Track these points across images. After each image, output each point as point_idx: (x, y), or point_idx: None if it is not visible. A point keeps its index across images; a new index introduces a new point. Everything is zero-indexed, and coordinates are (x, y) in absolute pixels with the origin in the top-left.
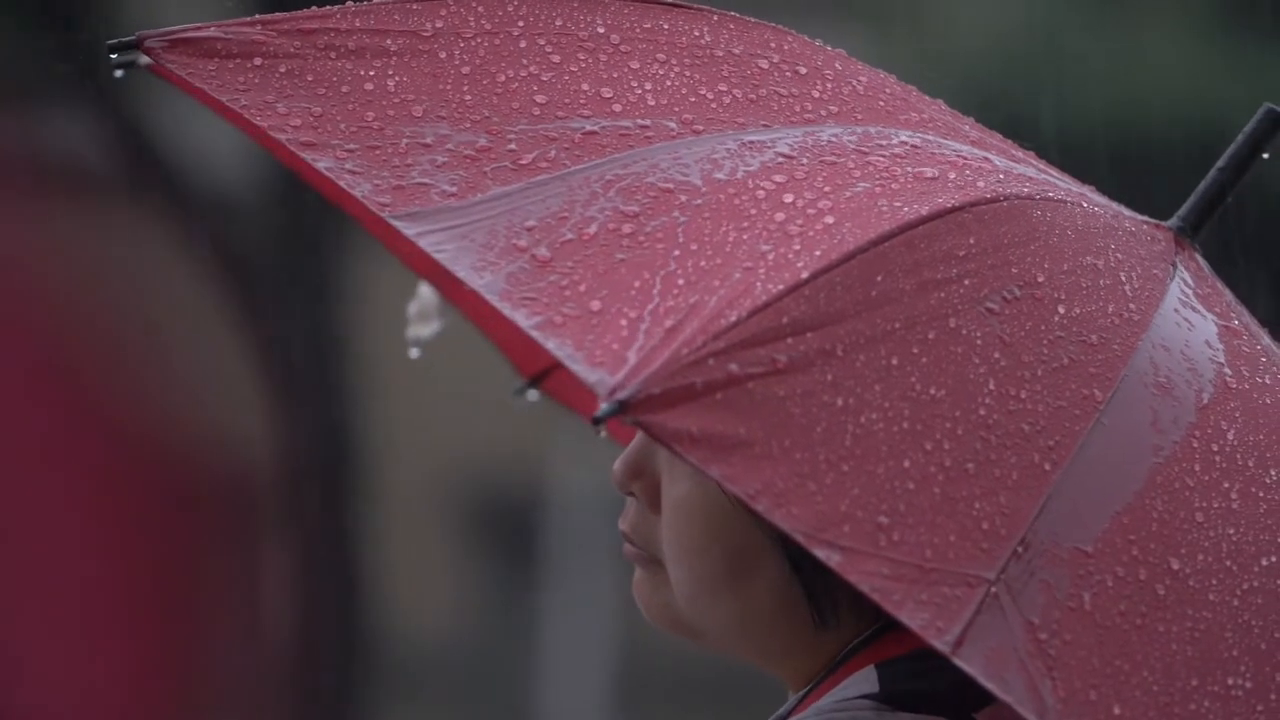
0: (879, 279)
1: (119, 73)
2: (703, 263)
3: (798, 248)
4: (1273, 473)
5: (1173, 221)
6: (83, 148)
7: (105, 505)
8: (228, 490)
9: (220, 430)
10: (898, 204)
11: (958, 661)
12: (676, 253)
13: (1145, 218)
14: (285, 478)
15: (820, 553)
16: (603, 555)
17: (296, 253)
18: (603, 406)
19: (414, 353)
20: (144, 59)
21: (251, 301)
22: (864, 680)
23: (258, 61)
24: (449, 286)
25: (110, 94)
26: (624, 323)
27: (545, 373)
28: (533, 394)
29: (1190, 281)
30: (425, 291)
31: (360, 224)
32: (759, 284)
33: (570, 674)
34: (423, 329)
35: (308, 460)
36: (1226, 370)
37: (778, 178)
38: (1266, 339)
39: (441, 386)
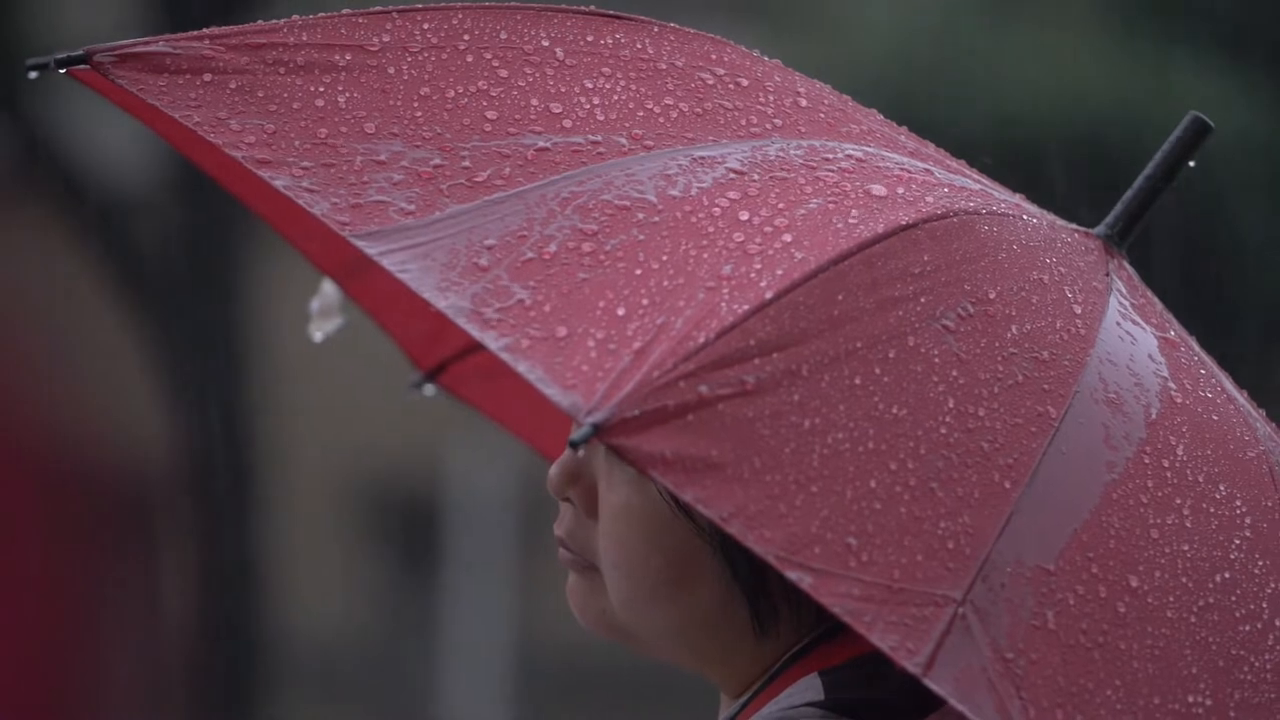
0: (840, 298)
1: (32, 74)
2: (665, 282)
3: (759, 267)
4: (1222, 488)
5: (1100, 229)
6: None
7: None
8: (126, 488)
9: (119, 429)
10: (852, 221)
11: (929, 684)
12: (638, 271)
13: (1075, 226)
14: (184, 474)
15: (792, 575)
16: (500, 550)
17: (196, 251)
18: (579, 430)
19: (317, 338)
20: (81, 67)
21: (150, 300)
22: (808, 688)
23: (208, 77)
24: (351, 284)
25: (9, 97)
26: (591, 344)
27: (441, 367)
28: (429, 389)
29: (1125, 293)
30: (328, 288)
31: (266, 222)
32: (724, 304)
33: (467, 667)
34: (325, 325)
35: (206, 457)
36: (1171, 385)
37: (731, 194)
38: (1198, 348)
39: (340, 383)
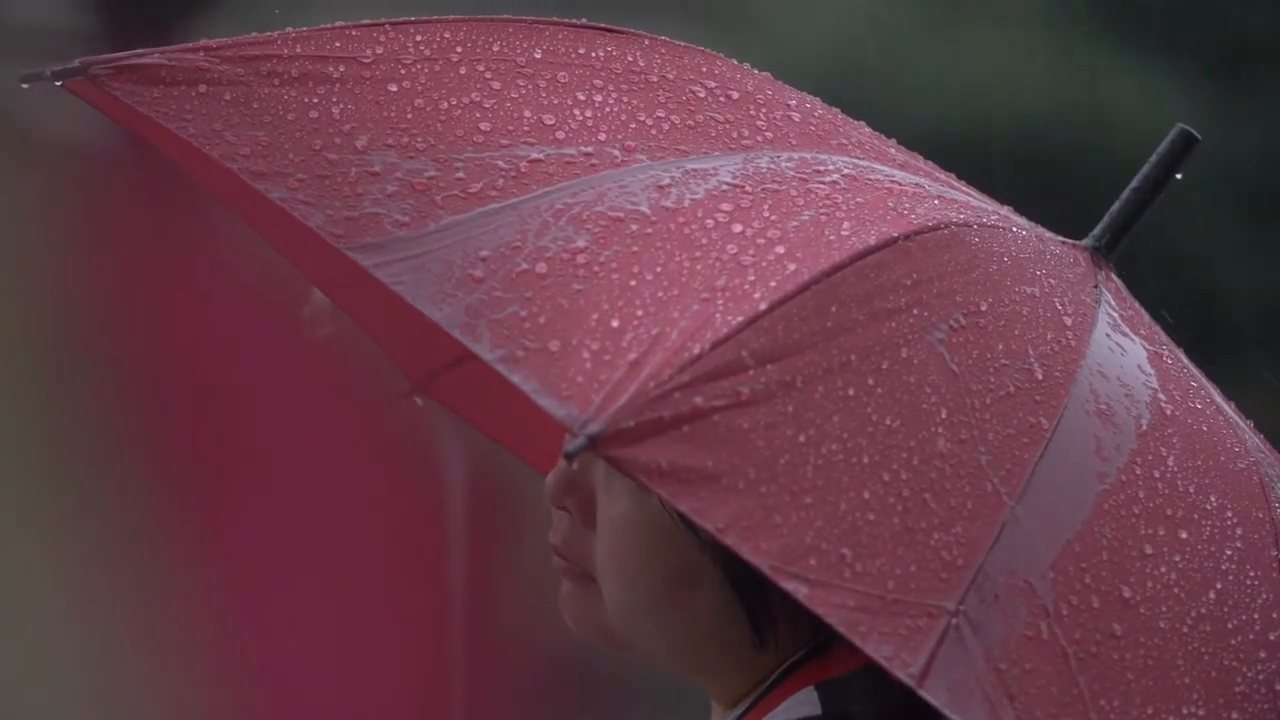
0: (833, 310)
1: (25, 86)
2: (659, 293)
3: (752, 279)
4: (1213, 499)
5: (1088, 241)
6: None
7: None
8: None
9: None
10: (844, 233)
11: (924, 694)
12: (633, 283)
13: (1062, 238)
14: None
15: (788, 585)
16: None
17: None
18: (574, 441)
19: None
20: (76, 79)
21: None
22: (805, 702)
23: (202, 89)
24: (340, 294)
25: None
26: (586, 355)
27: (431, 378)
28: (418, 400)
29: (1114, 304)
30: (318, 296)
31: (256, 233)
32: (718, 315)
33: None
34: (315, 333)
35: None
36: (1161, 395)
37: (725, 206)
38: (1185, 359)
39: None
